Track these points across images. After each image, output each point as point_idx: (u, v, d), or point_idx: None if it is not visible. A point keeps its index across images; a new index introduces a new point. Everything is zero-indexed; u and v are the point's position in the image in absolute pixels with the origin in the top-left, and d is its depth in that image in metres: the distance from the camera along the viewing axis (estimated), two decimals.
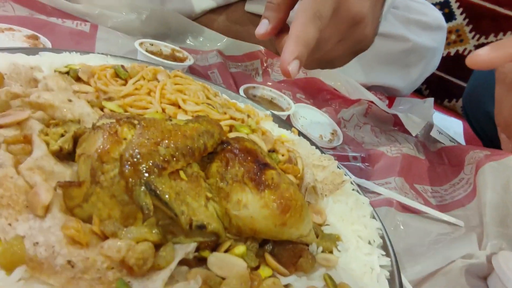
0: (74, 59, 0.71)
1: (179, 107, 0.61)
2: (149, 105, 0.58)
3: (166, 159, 0.37)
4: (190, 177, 0.40)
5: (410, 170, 1.03)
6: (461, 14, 2.10)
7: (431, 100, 1.33)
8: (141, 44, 1.02)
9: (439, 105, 2.11)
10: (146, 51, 1.02)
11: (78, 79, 0.62)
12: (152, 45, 1.08)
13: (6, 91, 0.49)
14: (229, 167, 0.42)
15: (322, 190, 0.58)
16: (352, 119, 1.27)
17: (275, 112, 0.95)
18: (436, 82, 2.06)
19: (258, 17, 1.40)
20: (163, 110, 0.59)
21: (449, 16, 2.07)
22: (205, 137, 0.42)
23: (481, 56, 0.40)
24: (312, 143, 0.73)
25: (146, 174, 0.35)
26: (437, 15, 1.41)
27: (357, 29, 0.57)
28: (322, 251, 0.47)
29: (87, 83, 0.61)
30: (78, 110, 0.50)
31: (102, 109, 0.56)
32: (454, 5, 2.10)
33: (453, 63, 2.02)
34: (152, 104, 0.59)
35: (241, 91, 1.00)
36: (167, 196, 0.36)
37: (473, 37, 2.04)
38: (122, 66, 0.67)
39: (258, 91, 1.09)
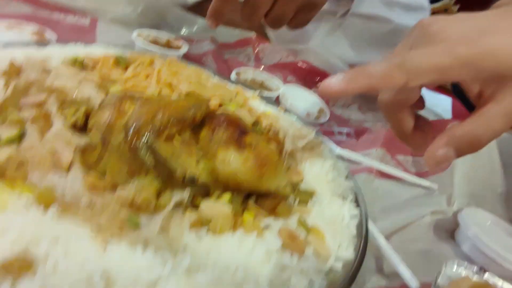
0: (79, 50, 0.79)
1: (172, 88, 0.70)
2: (147, 88, 0.67)
3: (162, 126, 0.46)
4: (183, 141, 0.48)
5: (393, 143, 1.11)
6: None
7: None
8: (138, 34, 1.10)
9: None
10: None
11: (84, 68, 0.70)
12: (148, 35, 1.15)
13: (25, 80, 0.58)
14: (215, 133, 0.50)
15: (301, 156, 0.67)
16: (341, 98, 1.35)
17: (264, 94, 1.03)
18: None
19: None
20: (159, 92, 0.68)
21: None
22: (194, 109, 0.51)
23: (333, 87, 0.39)
24: (298, 119, 0.81)
25: (147, 136, 0.44)
26: None
27: None
28: (298, 204, 0.56)
29: (92, 70, 0.70)
30: (86, 93, 0.59)
31: (107, 93, 0.64)
32: None
33: None
34: (149, 87, 0.67)
35: (232, 75, 1.08)
36: (164, 155, 0.45)
37: None
38: (122, 56, 0.75)
39: (249, 74, 1.17)
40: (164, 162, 0.44)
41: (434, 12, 1.67)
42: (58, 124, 0.49)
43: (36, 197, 0.38)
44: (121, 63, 0.74)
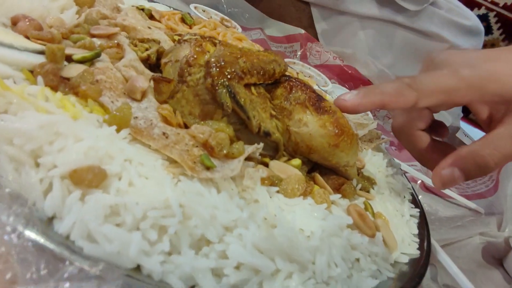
0: (144, 2, 0.77)
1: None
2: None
3: (244, 71, 0.43)
4: (259, 94, 0.45)
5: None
6: (498, 29, 2.10)
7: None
8: (195, 7, 1.08)
9: (465, 117, 2.11)
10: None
11: (151, 17, 0.68)
12: (204, 11, 1.14)
13: (97, 11, 0.56)
14: (292, 92, 0.47)
15: (361, 144, 0.63)
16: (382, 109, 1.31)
17: (314, 87, 1.00)
18: None
19: (301, 2, 1.45)
20: None
21: (486, 30, 2.07)
22: (274, 64, 0.48)
23: (347, 102, 0.42)
24: None
25: (229, 77, 0.41)
26: (478, 21, 1.43)
27: None
28: (360, 189, 0.51)
29: (159, 21, 0.68)
30: (157, 36, 0.56)
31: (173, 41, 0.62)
32: (493, 19, 2.10)
33: None
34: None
35: None
36: (243, 100, 0.41)
37: None
38: (189, 14, 0.73)
39: (297, 67, 1.13)
40: (241, 109, 0.41)
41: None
42: (132, 55, 0.46)
43: (110, 117, 0.35)
44: (188, 20, 0.71)
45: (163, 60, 0.46)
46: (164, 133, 0.36)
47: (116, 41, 0.49)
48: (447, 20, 1.35)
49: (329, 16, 1.41)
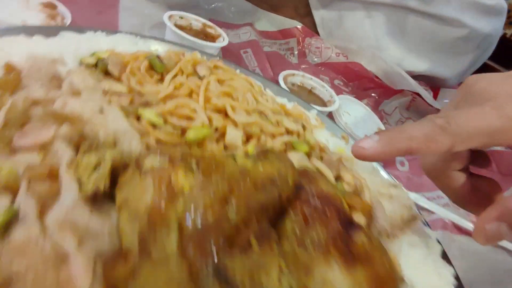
0: (100, 42, 0.60)
1: (226, 114, 0.51)
2: (193, 114, 0.48)
3: (237, 228, 0.28)
4: (260, 243, 0.31)
5: None
6: None
7: None
8: (170, 17, 0.90)
9: None
10: (175, 25, 0.89)
11: (107, 73, 0.52)
12: (182, 18, 0.95)
13: (25, 98, 0.40)
14: (307, 227, 0.33)
15: (391, 227, 0.49)
16: (395, 112, 1.15)
17: (318, 108, 0.84)
18: (482, 71, 1.89)
19: None
20: (209, 120, 0.49)
21: None
22: (279, 184, 0.33)
23: (366, 151, 0.35)
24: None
25: (215, 254, 0.27)
26: None
27: None
28: None
29: (119, 79, 0.51)
30: (112, 126, 0.40)
31: (138, 118, 0.46)
32: None
33: (502, 49, 1.82)
34: (196, 112, 0.49)
35: (281, 81, 0.88)
36: (239, 278, 0.27)
37: None
38: (158, 57, 0.56)
39: (297, 78, 0.97)
40: None
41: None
42: (70, 194, 0.31)
43: None
44: (156, 69, 0.55)
45: (118, 199, 0.32)
46: None
47: (49, 165, 0.34)
48: (466, 1, 1.16)
49: (329, 2, 1.21)
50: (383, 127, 0.98)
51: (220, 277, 0.26)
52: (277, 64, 1.08)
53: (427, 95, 1.12)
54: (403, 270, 0.45)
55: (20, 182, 0.32)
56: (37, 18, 0.71)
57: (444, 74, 1.27)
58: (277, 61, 1.10)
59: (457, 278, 0.52)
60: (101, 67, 0.51)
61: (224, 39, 0.93)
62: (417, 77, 1.30)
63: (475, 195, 0.42)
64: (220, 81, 0.58)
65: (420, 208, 0.76)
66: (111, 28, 0.85)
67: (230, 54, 0.99)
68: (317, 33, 1.24)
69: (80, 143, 0.38)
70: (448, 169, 0.42)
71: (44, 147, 0.36)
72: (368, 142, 0.36)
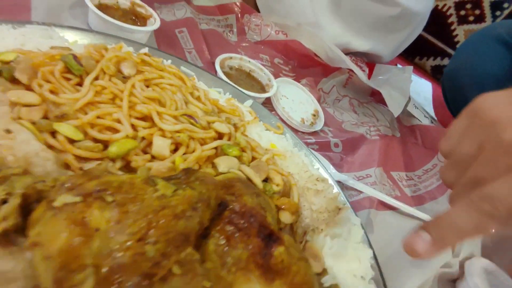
0: (6, 39, 0.54)
1: (152, 121, 0.50)
2: (116, 124, 0.46)
3: (156, 262, 0.29)
4: (182, 268, 0.32)
5: (387, 155, 1.02)
6: None
7: (410, 68, 1.29)
8: None
9: (410, 61, 2.08)
10: (100, 5, 0.82)
11: (14, 81, 0.47)
12: None
13: None
14: (229, 247, 0.34)
15: (317, 221, 0.53)
16: (332, 91, 1.19)
17: (256, 95, 0.84)
18: (417, 43, 1.99)
19: None
20: (135, 128, 0.48)
21: None
22: (200, 209, 0.34)
23: (421, 252, 0.36)
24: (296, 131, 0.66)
25: None
26: None
27: None
28: None
29: (28, 87, 0.47)
30: (22, 148, 0.38)
31: (53, 133, 0.43)
32: None
33: (436, 20, 1.91)
34: (119, 122, 0.47)
35: (217, 67, 0.86)
36: None
37: None
38: (75, 57, 0.52)
39: (235, 62, 0.95)
40: None
41: None
42: None
43: None
44: (74, 70, 0.51)
45: (30, 236, 0.30)
46: None
47: None
48: None
49: None
50: (319, 109, 1.01)
51: None
52: (215, 44, 1.04)
53: (360, 73, 1.16)
54: (326, 262, 0.50)
55: None
56: None
57: (380, 51, 1.32)
58: (215, 40, 1.06)
59: (374, 257, 0.59)
60: (6, 74, 0.46)
61: (155, 21, 0.87)
62: (355, 53, 1.34)
63: None
64: (146, 81, 0.55)
65: (349, 188, 0.82)
66: (21, 11, 0.76)
67: (163, 35, 0.94)
68: (257, 10, 1.21)
69: None
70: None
71: None
72: (421, 244, 0.36)
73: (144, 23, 0.89)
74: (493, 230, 0.33)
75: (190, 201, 0.33)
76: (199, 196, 0.34)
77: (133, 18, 0.89)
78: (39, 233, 0.30)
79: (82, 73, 0.51)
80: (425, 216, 0.84)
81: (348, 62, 1.14)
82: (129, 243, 0.29)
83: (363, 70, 1.31)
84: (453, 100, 1.21)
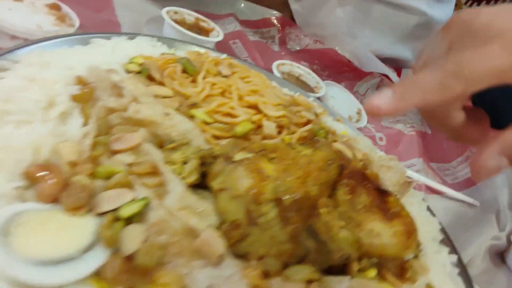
0: (126, 47, 0.65)
1: (257, 109, 0.60)
2: (233, 111, 0.57)
3: (317, 197, 0.39)
4: (328, 209, 0.42)
5: (425, 148, 1.11)
6: None
7: None
8: (167, 12, 0.94)
9: None
10: (172, 20, 0.94)
11: (150, 78, 0.58)
12: (176, 13, 0.99)
13: (103, 107, 0.46)
14: (355, 196, 0.44)
15: (394, 193, 0.62)
16: (367, 93, 1.30)
17: (311, 95, 0.95)
18: None
19: None
20: (251, 118, 0.58)
21: None
22: (332, 165, 0.44)
23: (382, 109, 0.34)
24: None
25: (307, 217, 0.37)
26: None
27: None
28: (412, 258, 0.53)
29: (161, 83, 0.58)
30: (180, 127, 0.48)
31: (191, 117, 0.54)
32: None
33: None
34: (234, 109, 0.57)
35: (274, 70, 0.97)
36: (325, 236, 0.38)
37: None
38: (188, 60, 0.63)
39: (286, 67, 1.07)
40: (324, 245, 0.38)
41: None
42: (178, 185, 0.39)
43: None
44: (189, 70, 0.62)
45: (214, 185, 0.41)
46: None
47: (149, 162, 0.41)
48: None
49: None
50: (362, 108, 1.12)
51: (313, 234, 0.37)
52: (262, 52, 1.16)
53: (394, 76, 1.27)
54: None
55: (130, 179, 0.40)
56: (49, 21, 0.73)
57: (406, 57, 1.43)
58: (263, 50, 1.18)
59: (440, 223, 0.68)
60: (144, 73, 0.57)
61: (219, 33, 1.00)
62: (383, 60, 1.45)
63: (469, 128, 0.41)
64: (242, 79, 0.66)
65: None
66: (114, 26, 0.88)
67: (222, 47, 1.06)
68: (294, 21, 1.33)
69: (158, 143, 0.46)
70: (449, 111, 0.40)
71: (134, 149, 0.43)
72: (382, 99, 0.34)
73: (207, 35, 1.01)
74: (457, 92, 0.33)
75: (325, 158, 0.43)
76: (330, 156, 0.44)
77: (198, 31, 1.01)
78: (223, 181, 0.40)
79: (194, 73, 0.62)
80: (469, 199, 0.93)
81: (379, 64, 1.25)
82: (294, 182, 0.39)
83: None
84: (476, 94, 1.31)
